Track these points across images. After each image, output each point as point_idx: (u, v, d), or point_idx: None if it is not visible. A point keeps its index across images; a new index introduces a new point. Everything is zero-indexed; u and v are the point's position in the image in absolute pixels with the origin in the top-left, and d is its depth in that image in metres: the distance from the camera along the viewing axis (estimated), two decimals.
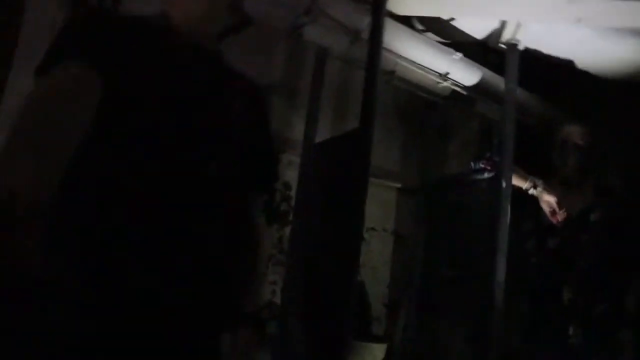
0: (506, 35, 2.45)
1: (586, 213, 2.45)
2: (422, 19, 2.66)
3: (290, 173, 2.73)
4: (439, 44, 2.81)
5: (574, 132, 2.52)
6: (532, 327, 2.40)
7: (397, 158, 3.79)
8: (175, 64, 1.08)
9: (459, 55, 2.86)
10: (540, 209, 2.44)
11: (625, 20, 2.27)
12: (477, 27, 2.62)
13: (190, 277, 1.02)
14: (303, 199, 2.56)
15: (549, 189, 2.43)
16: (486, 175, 2.52)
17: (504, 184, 2.31)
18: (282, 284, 2.59)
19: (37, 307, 0.89)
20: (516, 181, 2.41)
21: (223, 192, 1.10)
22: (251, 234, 1.23)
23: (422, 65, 2.78)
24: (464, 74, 2.94)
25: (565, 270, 2.36)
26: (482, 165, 2.60)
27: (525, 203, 2.43)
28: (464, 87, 3.03)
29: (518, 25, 2.40)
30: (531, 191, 2.45)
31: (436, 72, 2.85)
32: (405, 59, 2.69)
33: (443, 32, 2.75)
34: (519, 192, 2.41)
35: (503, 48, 2.49)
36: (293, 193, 2.70)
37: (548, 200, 2.42)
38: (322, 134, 2.69)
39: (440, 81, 2.91)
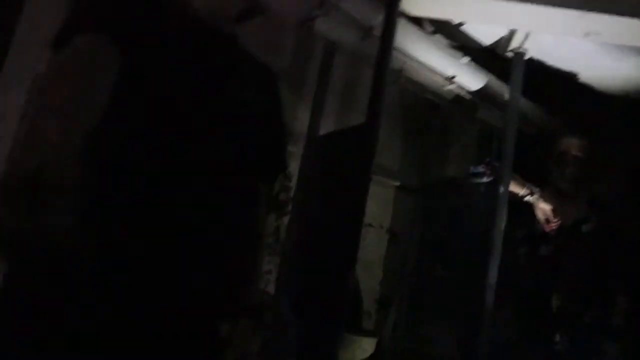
0: (514, 44, 2.46)
1: (579, 224, 2.49)
2: (432, 21, 2.67)
3: (291, 163, 2.73)
4: (447, 47, 2.83)
5: (573, 144, 2.56)
6: (519, 330, 2.44)
7: (397, 156, 3.81)
8: (191, 42, 1.07)
9: (467, 59, 2.88)
10: (535, 216, 2.48)
11: (635, 38, 2.29)
12: (485, 33, 2.63)
13: (192, 264, 1.00)
14: (303, 189, 2.57)
15: (545, 197, 2.47)
16: (485, 179, 2.55)
17: (501, 189, 2.33)
18: (276, 274, 2.60)
19: (69, 283, 0.88)
20: (513, 187, 2.45)
21: (233, 177, 1.09)
22: (254, 224, 1.21)
23: (429, 67, 2.80)
24: (470, 78, 2.96)
25: (555, 278, 2.40)
26: (482, 170, 2.63)
27: (521, 210, 2.47)
28: (469, 92, 3.06)
29: (527, 35, 2.41)
30: (527, 198, 2.49)
31: (443, 74, 2.87)
32: (414, 59, 2.70)
33: (451, 35, 2.77)
34: (514, 198, 2.45)
35: (510, 56, 2.50)
36: (293, 184, 2.71)
37: (543, 208, 2.46)
38: (325, 127, 2.69)
39: (446, 84, 2.93)
